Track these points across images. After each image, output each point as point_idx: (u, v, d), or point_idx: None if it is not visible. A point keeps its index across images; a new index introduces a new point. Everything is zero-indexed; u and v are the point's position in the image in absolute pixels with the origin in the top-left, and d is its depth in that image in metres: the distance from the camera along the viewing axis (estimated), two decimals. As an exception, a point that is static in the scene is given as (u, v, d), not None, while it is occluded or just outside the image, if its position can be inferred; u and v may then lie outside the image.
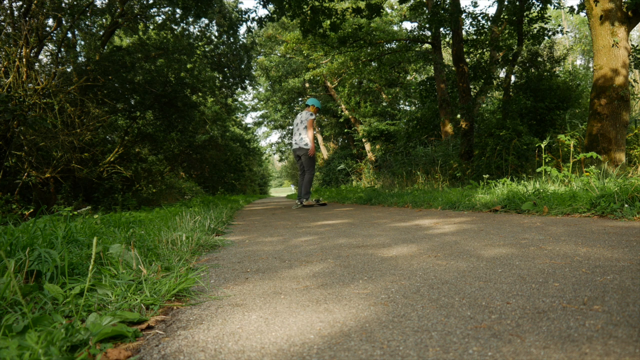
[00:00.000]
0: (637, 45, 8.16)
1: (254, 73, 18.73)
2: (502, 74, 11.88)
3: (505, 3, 9.36)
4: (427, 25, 9.79)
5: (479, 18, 9.66)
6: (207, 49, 13.67)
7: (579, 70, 19.77)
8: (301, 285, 1.28)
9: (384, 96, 20.85)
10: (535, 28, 9.45)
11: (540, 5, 9.03)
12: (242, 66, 14.14)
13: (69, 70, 9.04)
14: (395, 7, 19.91)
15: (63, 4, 8.70)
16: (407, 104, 22.63)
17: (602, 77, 5.43)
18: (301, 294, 1.18)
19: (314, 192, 18.67)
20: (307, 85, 24.26)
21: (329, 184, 21.51)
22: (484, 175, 5.71)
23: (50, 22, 9.01)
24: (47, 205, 6.92)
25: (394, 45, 13.91)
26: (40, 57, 9.18)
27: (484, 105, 12.60)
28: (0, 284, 1.02)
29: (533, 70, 10.39)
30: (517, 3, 8.76)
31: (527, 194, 3.63)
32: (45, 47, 9.26)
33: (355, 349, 0.75)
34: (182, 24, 12.53)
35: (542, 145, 4.45)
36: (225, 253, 2.06)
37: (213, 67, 13.85)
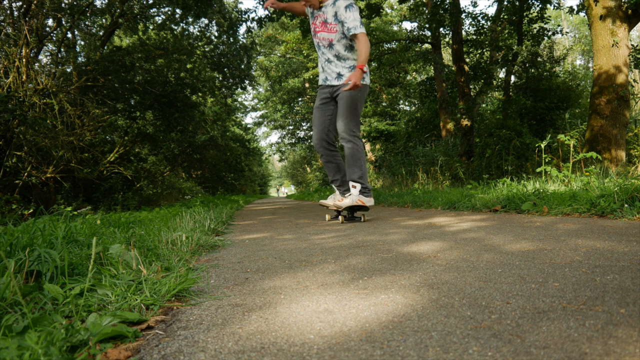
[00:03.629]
0: (637, 45, 8.15)
1: (253, 73, 18.72)
2: (502, 74, 11.88)
3: (505, 3, 9.36)
4: (427, 25, 9.79)
5: (479, 18, 9.67)
6: (207, 49, 13.67)
7: (578, 70, 19.76)
8: (301, 286, 1.28)
9: (384, 96, 20.85)
10: (535, 28, 9.45)
11: (540, 5, 9.03)
12: (242, 66, 14.14)
13: (68, 70, 9.05)
14: (395, 7, 19.91)
15: (63, 4, 8.69)
16: (407, 104, 22.62)
17: (602, 77, 5.43)
18: (301, 294, 1.18)
19: (314, 192, 18.42)
20: (307, 85, 24.25)
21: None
22: (484, 175, 5.71)
23: (50, 22, 9.02)
24: (46, 205, 6.92)
25: (393, 45, 13.90)
26: (40, 57, 9.19)
27: (484, 105, 12.59)
28: (0, 284, 1.02)
29: (533, 71, 10.39)
30: (517, 3, 8.76)
31: (527, 194, 3.63)
32: (45, 47, 9.26)
33: (355, 349, 0.75)
34: (182, 24, 12.54)
35: (542, 145, 4.45)
36: (225, 253, 2.06)
37: (213, 67, 13.85)
